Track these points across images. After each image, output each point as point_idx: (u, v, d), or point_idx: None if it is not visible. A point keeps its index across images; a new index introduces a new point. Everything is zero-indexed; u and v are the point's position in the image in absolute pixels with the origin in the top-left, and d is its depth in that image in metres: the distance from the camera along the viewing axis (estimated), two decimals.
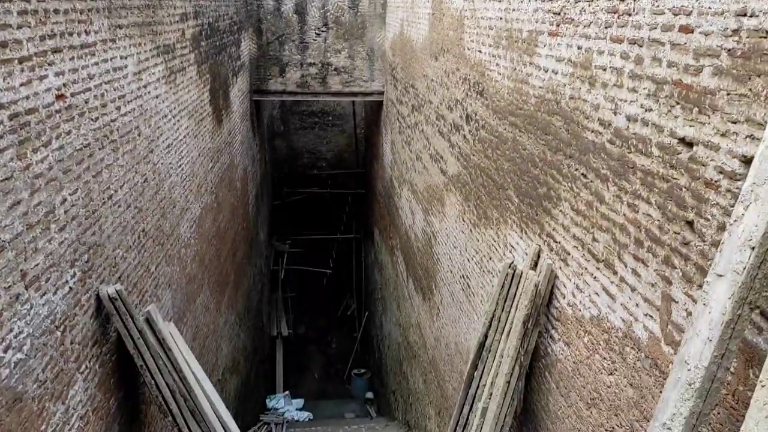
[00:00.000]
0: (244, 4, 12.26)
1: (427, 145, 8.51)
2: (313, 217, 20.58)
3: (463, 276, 6.63)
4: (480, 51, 5.70)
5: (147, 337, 4.39)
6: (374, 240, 16.38)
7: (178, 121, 6.46)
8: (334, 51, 13.61)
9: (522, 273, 4.37)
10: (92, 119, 4.08)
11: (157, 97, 5.64)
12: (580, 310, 3.69)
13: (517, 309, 4.23)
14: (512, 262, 4.52)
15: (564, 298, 3.91)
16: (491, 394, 4.32)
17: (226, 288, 9.56)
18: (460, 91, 6.52)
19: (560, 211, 3.93)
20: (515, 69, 4.73)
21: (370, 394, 16.96)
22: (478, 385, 4.62)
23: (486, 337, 4.65)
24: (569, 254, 3.81)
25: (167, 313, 5.93)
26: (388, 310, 13.72)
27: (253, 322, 13.05)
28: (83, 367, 3.89)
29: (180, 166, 6.52)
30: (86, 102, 3.99)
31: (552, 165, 4.04)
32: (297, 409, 15.40)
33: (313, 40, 13.53)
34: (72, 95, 3.78)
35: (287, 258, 19.62)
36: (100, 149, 4.20)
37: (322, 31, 13.51)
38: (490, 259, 5.54)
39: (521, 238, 4.68)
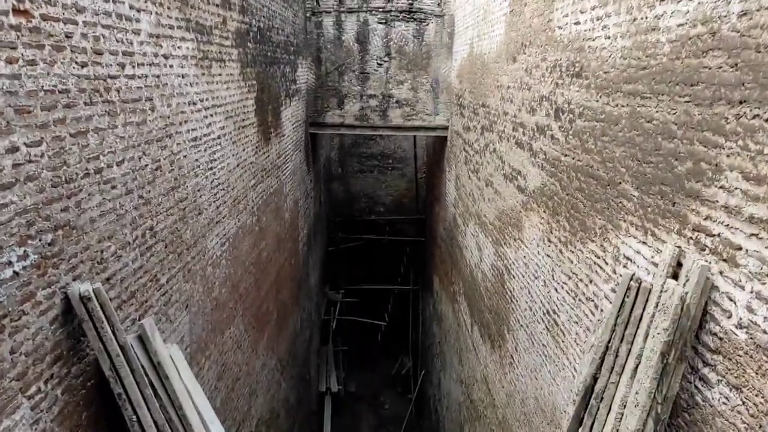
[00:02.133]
0: (303, 31, 11.63)
1: (500, 165, 7.32)
2: (368, 266, 19.45)
3: (547, 312, 5.29)
4: (577, 23, 4.56)
5: (132, 358, 3.27)
6: (433, 290, 15.05)
7: (212, 116, 5.53)
8: (396, 82, 12.77)
9: (652, 287, 3.06)
10: (76, 62, 3.11)
11: (182, 76, 4.72)
12: (762, 334, 2.36)
13: (648, 336, 2.91)
14: (634, 275, 3.22)
15: (730, 317, 2.57)
16: None
17: (266, 327, 8.44)
18: (546, 84, 5.36)
19: (721, 187, 2.65)
20: (635, 20, 3.56)
21: None
22: None
23: (595, 379, 3.30)
24: (740, 249, 2.51)
25: (182, 340, 4.82)
26: (448, 366, 12.25)
27: (298, 371, 11.82)
28: (32, 389, 2.78)
29: (211, 168, 5.55)
30: (68, 36, 3.04)
31: (703, 125, 2.79)
32: None
33: (375, 70, 12.75)
34: (43, 18, 2.83)
35: (340, 308, 18.45)
36: (86, 104, 3.22)
37: (384, 61, 12.72)
38: (591, 282, 4.22)
39: (644, 242, 3.39)
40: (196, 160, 5.13)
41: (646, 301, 3.08)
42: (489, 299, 7.96)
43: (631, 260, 3.56)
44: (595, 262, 4.15)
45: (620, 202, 3.73)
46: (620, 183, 3.74)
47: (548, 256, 5.28)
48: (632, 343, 3.10)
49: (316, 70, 12.65)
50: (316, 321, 15.62)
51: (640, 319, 3.08)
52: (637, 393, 2.84)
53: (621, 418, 2.95)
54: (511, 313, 6.70)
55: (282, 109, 9.27)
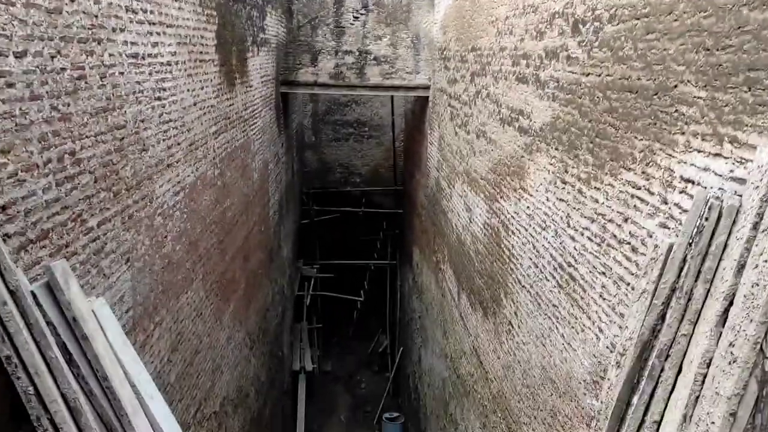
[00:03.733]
0: None
1: (496, 110, 6.49)
2: (344, 240, 18.57)
3: (559, 266, 4.50)
4: None
5: (30, 309, 2.37)
6: (413, 263, 14.27)
7: (159, 35, 4.58)
8: (373, 38, 11.84)
9: (743, 205, 2.26)
10: None
11: None
12: None
13: (745, 268, 2.11)
14: (713, 194, 2.42)
15: None
16: None
17: (233, 297, 7.54)
18: None
19: None
20: None
21: None
22: (643, 419, 2.46)
23: (655, 333, 2.50)
24: None
25: (120, 299, 3.92)
26: (430, 340, 11.51)
27: (269, 348, 10.96)
28: None
29: (159, 99, 4.61)
30: None
31: None
32: None
33: (351, 24, 11.79)
34: None
35: (314, 284, 17.59)
36: None
37: (361, 14, 11.77)
38: (626, 221, 3.42)
39: (718, 154, 2.58)
40: (138, 83, 4.19)
41: (732, 224, 2.28)
42: (480, 263, 7.17)
43: (693, 182, 2.76)
44: (633, 195, 3.35)
45: (675, 111, 2.92)
46: (676, 86, 2.92)
47: (561, 200, 4.47)
48: (711, 282, 2.30)
49: (287, 23, 11.64)
50: (290, 296, 14.75)
51: (724, 249, 2.28)
52: (732, 345, 2.04)
53: (704, 380, 2.15)
54: (509, 274, 5.91)
55: (248, 56, 8.30)
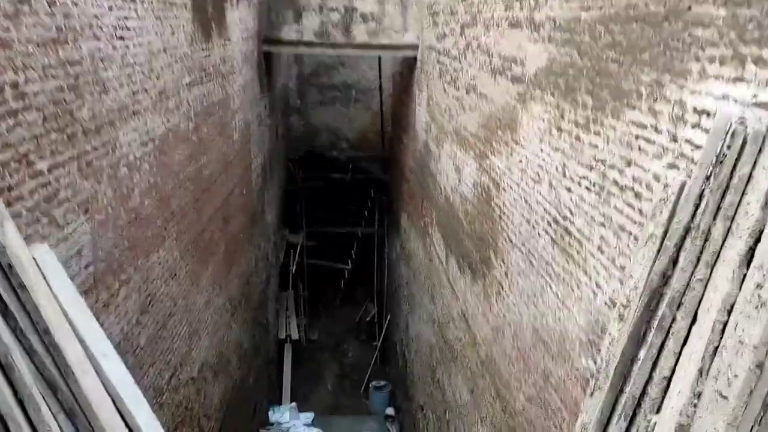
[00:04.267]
0: None
1: (487, 60, 6.14)
2: (330, 207, 18.24)
3: (554, 221, 4.21)
4: None
5: None
6: (400, 229, 14.00)
7: None
8: None
9: None
10: None
11: None
12: None
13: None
14: (736, 119, 2.12)
15: None
16: (696, 395, 1.90)
17: (211, 259, 7.23)
18: None
19: None
20: None
21: (390, 410, 14.50)
22: (650, 375, 2.19)
23: (665, 278, 2.23)
24: None
25: (78, 253, 3.60)
26: (417, 307, 11.29)
27: (252, 315, 10.70)
28: None
29: (121, 38, 4.23)
30: None
31: None
32: (305, 425, 13.01)
33: None
34: None
35: (300, 252, 17.29)
36: None
37: None
38: (629, 164, 3.13)
39: (739, 79, 2.28)
40: (96, 16, 3.81)
41: (759, 153, 1.99)
42: (470, 224, 6.89)
43: (708, 114, 2.46)
44: (637, 136, 3.05)
45: (689, 36, 2.60)
46: (690, 8, 2.60)
47: (557, 149, 4.17)
48: (733, 219, 2.02)
49: None
50: (275, 264, 14.47)
51: (748, 181, 1.99)
52: (759, 287, 1.76)
53: (723, 329, 1.88)
54: (499, 234, 5.63)
55: (226, 7, 7.85)
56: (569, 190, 3.95)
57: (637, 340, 2.28)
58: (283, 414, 12.69)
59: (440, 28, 8.99)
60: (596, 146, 3.54)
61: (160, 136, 5.16)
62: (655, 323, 2.17)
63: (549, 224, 4.33)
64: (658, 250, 2.30)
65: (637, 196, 3.04)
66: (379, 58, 15.54)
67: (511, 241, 5.28)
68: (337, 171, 17.43)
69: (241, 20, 8.91)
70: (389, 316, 16.30)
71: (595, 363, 3.47)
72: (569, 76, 3.95)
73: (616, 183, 3.29)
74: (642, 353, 2.21)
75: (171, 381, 5.62)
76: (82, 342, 2.57)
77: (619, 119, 3.25)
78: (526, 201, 4.86)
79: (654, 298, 2.23)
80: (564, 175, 4.04)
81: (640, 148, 3.02)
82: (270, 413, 12.64)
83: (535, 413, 4.61)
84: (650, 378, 2.18)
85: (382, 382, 15.53)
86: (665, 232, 2.29)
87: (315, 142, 17.09)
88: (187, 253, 6.12)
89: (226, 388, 8.31)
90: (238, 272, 9.13)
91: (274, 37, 11.34)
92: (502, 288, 5.55)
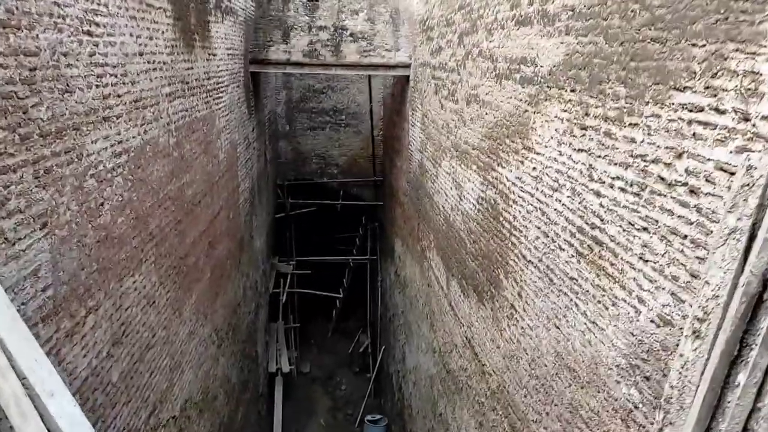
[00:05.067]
0: None
1: (490, 67, 5.73)
2: (321, 235, 17.74)
3: (579, 231, 3.74)
4: None
5: None
6: (395, 256, 13.49)
7: None
8: (350, 12, 11.03)
9: None
10: None
11: None
12: None
13: None
14: None
15: None
16: None
17: (195, 286, 6.68)
18: None
19: None
20: None
21: None
22: (754, 406, 1.69)
23: (765, 284, 1.74)
24: None
25: (34, 274, 3.06)
26: (415, 336, 10.73)
27: (241, 348, 10.08)
28: None
29: (89, 33, 3.76)
30: None
31: None
32: None
33: None
34: None
35: (290, 281, 16.71)
36: None
37: None
38: (679, 156, 2.67)
39: None
40: (57, 3, 3.34)
41: None
42: (474, 243, 6.41)
43: None
44: (691, 121, 2.60)
45: None
46: None
47: (581, 150, 3.71)
48: None
49: None
50: (264, 293, 13.86)
51: None
52: None
53: None
54: (510, 251, 5.15)
55: (211, 21, 7.44)
56: (598, 194, 3.49)
57: (729, 360, 1.78)
58: None
59: (435, 42, 8.63)
60: (633, 140, 3.08)
61: (136, 148, 4.66)
62: (758, 338, 1.68)
63: (572, 235, 3.85)
64: (747, 248, 1.81)
65: (693, 192, 2.57)
66: (369, 82, 15.23)
67: (524, 258, 4.79)
68: (327, 197, 16.96)
69: (226, 36, 8.50)
70: (384, 347, 15.68)
71: (640, 392, 2.96)
72: (594, 67, 3.52)
73: (661, 180, 2.82)
74: (741, 378, 1.71)
75: (149, 420, 5.02)
76: (22, 379, 2.04)
77: (663, 105, 2.81)
78: (542, 212, 4.39)
79: (751, 305, 1.74)
80: (591, 178, 3.58)
81: (695, 135, 2.57)
82: None
83: None
84: (754, 410, 1.68)
85: (378, 416, 14.85)
86: (755, 224, 1.82)
87: (304, 168, 16.64)
88: (167, 279, 5.58)
89: (212, 426, 7.67)
90: (225, 301, 8.55)
91: (262, 57, 10.97)
92: (515, 310, 5.04)
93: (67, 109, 3.45)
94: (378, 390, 16.51)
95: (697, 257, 2.54)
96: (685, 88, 2.63)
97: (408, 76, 11.15)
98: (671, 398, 2.05)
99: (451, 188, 7.57)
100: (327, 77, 15.88)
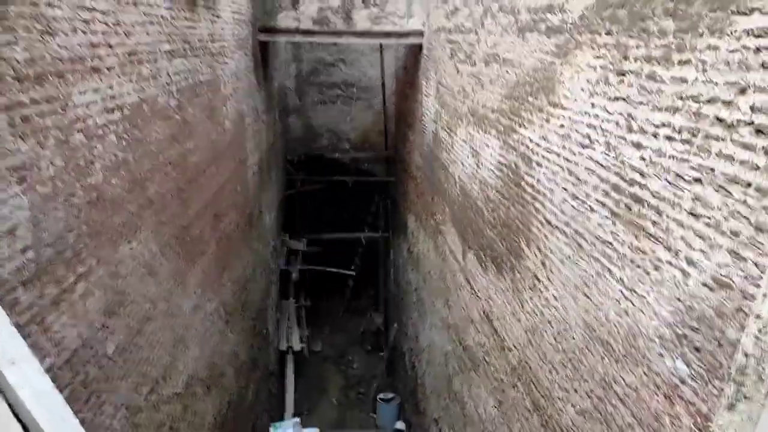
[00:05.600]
0: None
1: (512, 20, 5.34)
2: (333, 212, 17.45)
3: (613, 188, 3.38)
4: None
5: None
6: (407, 233, 13.16)
7: None
8: None
9: None
10: None
11: None
12: None
13: None
14: None
15: None
16: None
17: (200, 259, 6.39)
18: None
19: None
20: None
21: (400, 425, 13.59)
22: None
23: None
24: None
25: (11, 232, 2.76)
26: (429, 313, 10.43)
27: (250, 325, 9.84)
28: None
29: None
30: None
31: None
32: None
33: None
34: None
35: (302, 259, 16.45)
36: None
37: None
38: (743, 91, 2.29)
39: None
40: None
41: None
42: (492, 211, 6.05)
43: None
44: (759, 48, 2.22)
45: None
46: None
47: (618, 99, 3.34)
48: None
49: None
50: (275, 270, 13.61)
51: None
52: None
53: None
54: (533, 217, 4.80)
55: None
56: (638, 146, 3.12)
57: None
58: (286, 431, 11.76)
59: (450, 3, 8.20)
60: (683, 80, 2.71)
61: (132, 106, 4.33)
62: None
63: (606, 194, 3.49)
64: None
65: (761, 131, 2.20)
66: (381, 54, 14.79)
67: (549, 224, 4.43)
68: (338, 173, 16.62)
69: (233, 1, 8.13)
70: (396, 326, 15.41)
71: (688, 365, 2.62)
72: (636, 3, 3.13)
73: (719, 122, 2.45)
74: None
75: (150, 397, 4.76)
76: None
77: (722, 35, 2.43)
78: (570, 172, 4.03)
79: None
80: (629, 129, 3.20)
81: (763, 65, 2.19)
82: (271, 430, 11.72)
83: (590, 429, 3.74)
84: None
85: (390, 395, 14.63)
86: None
87: (315, 143, 16.28)
88: (169, 249, 5.28)
89: (220, 404, 7.44)
90: (233, 276, 8.28)
91: (270, 25, 10.57)
92: (538, 280, 4.70)
93: (47, 52, 3.12)
94: (390, 368, 16.28)
95: (764, 207, 2.19)
96: (751, 10, 2.25)
97: (421, 45, 10.72)
98: (745, 368, 1.72)
99: (467, 156, 7.20)
100: (338, 49, 15.46)
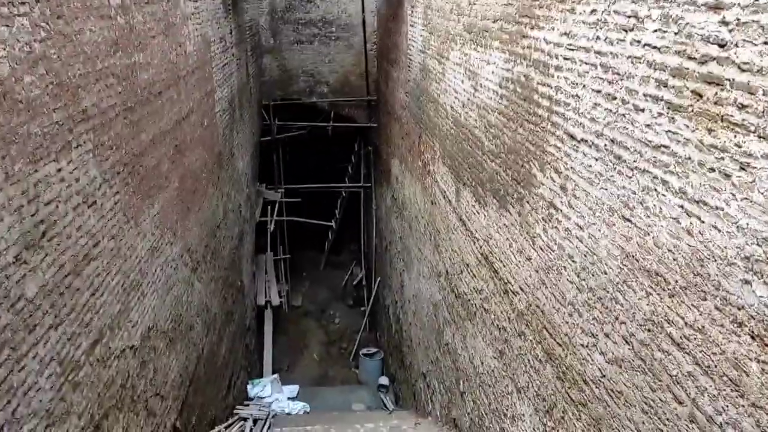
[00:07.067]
0: None
1: None
2: (311, 160, 16.55)
3: (676, 74, 2.60)
4: None
5: None
6: (391, 179, 12.37)
7: None
8: None
9: None
10: None
11: None
12: None
13: None
14: None
15: None
16: None
17: (158, 194, 5.55)
18: None
19: None
20: None
21: (384, 380, 13.05)
22: None
23: None
24: None
25: None
26: (416, 261, 9.73)
27: (222, 276, 9.05)
28: None
29: None
30: None
31: None
32: (289, 399, 11.49)
33: None
34: None
35: (279, 210, 15.63)
36: None
37: None
38: None
39: None
40: None
41: None
42: (494, 138, 5.27)
43: None
44: None
45: None
46: None
47: None
48: None
49: None
50: (249, 220, 12.78)
51: None
52: None
53: None
54: (549, 134, 4.02)
55: None
56: (717, 7, 2.33)
57: None
58: (264, 387, 11.15)
59: None
60: None
61: None
62: None
63: (661, 85, 2.71)
64: None
65: None
66: None
67: (572, 138, 3.66)
68: (317, 119, 15.68)
69: None
70: (379, 279, 14.77)
71: None
72: None
73: None
74: None
75: (94, 350, 3.98)
76: None
77: None
78: (605, 68, 3.23)
79: None
80: None
81: None
82: (249, 387, 11.10)
83: (629, 381, 3.05)
84: None
85: (373, 349, 14.10)
86: None
87: (291, 86, 15.27)
88: (116, 178, 4.44)
89: (188, 359, 6.70)
90: (201, 219, 7.45)
91: None
92: (555, 209, 3.95)
93: None
94: (373, 323, 15.72)
95: None
96: None
97: None
98: None
99: (462, 81, 6.37)
100: None
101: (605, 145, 3.25)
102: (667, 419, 2.71)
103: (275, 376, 11.83)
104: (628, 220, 3.02)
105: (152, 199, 5.37)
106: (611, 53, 3.16)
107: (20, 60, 3.06)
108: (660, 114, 2.72)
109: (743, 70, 2.19)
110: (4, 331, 2.88)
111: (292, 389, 12.03)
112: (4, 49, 2.91)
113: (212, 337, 8.12)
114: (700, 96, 2.44)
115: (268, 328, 13.50)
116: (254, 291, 13.46)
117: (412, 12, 9.52)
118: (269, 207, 15.36)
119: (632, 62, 2.95)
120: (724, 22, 2.29)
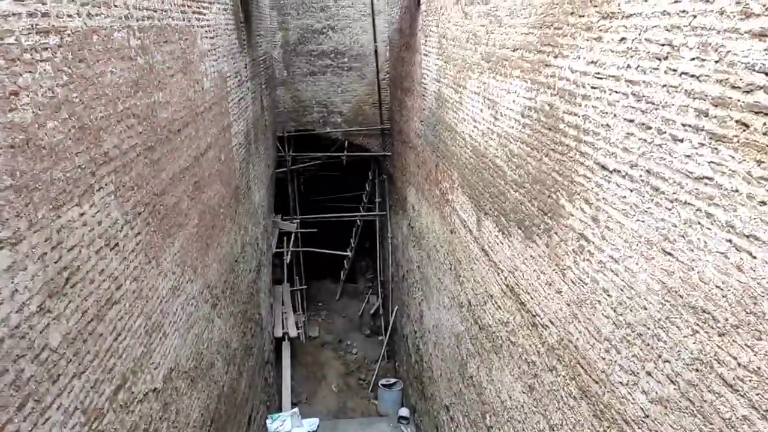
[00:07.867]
0: None
1: None
2: (326, 190, 16.55)
3: (716, 104, 2.51)
4: None
5: None
6: (407, 207, 12.30)
7: None
8: None
9: None
10: None
11: None
12: None
13: None
14: None
15: None
16: None
17: (178, 233, 5.50)
18: None
19: None
20: None
21: (405, 411, 12.83)
22: None
23: None
24: None
25: None
26: (435, 291, 9.59)
27: (241, 310, 8.97)
28: None
29: None
30: None
31: None
32: None
33: None
34: None
35: (295, 241, 15.58)
36: None
37: None
38: None
39: None
40: None
41: None
42: (517, 168, 5.18)
43: None
44: None
45: None
46: None
47: None
48: None
49: None
50: (266, 252, 12.72)
51: None
52: None
53: None
54: (577, 164, 3.93)
55: None
56: (762, 35, 2.24)
57: None
58: (284, 422, 10.98)
59: None
60: None
61: (75, 32, 3.42)
62: None
63: (701, 115, 2.62)
64: None
65: None
66: (373, 17, 13.83)
67: (604, 168, 3.57)
68: (331, 149, 15.70)
69: None
70: (396, 308, 14.61)
71: None
72: None
73: None
74: None
75: (117, 396, 3.89)
76: None
77: None
78: (637, 97, 3.15)
79: None
80: (745, 14, 2.33)
81: None
82: (268, 422, 10.93)
83: (676, 422, 2.90)
84: None
85: (393, 380, 13.89)
86: None
87: (305, 117, 15.32)
88: (137, 219, 4.39)
89: (209, 398, 6.58)
90: (219, 255, 7.39)
91: None
92: (587, 241, 3.84)
93: None
94: (391, 353, 15.52)
95: None
96: None
97: None
98: None
99: (481, 110, 6.31)
100: (327, 15, 14.47)
101: (640, 175, 3.15)
102: None
103: (295, 410, 11.66)
104: (669, 254, 2.91)
105: (173, 237, 5.32)
106: (644, 82, 3.08)
107: (43, 105, 3.02)
108: (701, 144, 2.63)
109: None
110: (28, 383, 2.80)
111: (312, 422, 11.84)
112: (28, 96, 2.87)
113: (232, 373, 8.00)
114: (747, 126, 2.34)
115: (286, 361, 13.36)
116: (272, 323, 13.35)
117: (425, 41, 9.54)
118: (285, 237, 15.33)
119: (668, 91, 2.87)
120: None
